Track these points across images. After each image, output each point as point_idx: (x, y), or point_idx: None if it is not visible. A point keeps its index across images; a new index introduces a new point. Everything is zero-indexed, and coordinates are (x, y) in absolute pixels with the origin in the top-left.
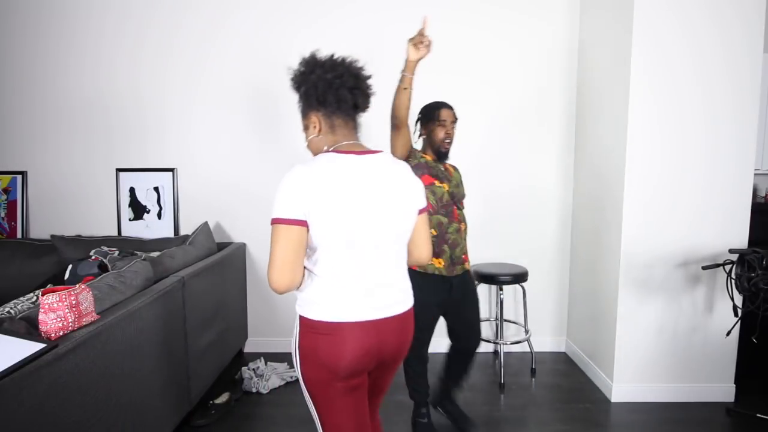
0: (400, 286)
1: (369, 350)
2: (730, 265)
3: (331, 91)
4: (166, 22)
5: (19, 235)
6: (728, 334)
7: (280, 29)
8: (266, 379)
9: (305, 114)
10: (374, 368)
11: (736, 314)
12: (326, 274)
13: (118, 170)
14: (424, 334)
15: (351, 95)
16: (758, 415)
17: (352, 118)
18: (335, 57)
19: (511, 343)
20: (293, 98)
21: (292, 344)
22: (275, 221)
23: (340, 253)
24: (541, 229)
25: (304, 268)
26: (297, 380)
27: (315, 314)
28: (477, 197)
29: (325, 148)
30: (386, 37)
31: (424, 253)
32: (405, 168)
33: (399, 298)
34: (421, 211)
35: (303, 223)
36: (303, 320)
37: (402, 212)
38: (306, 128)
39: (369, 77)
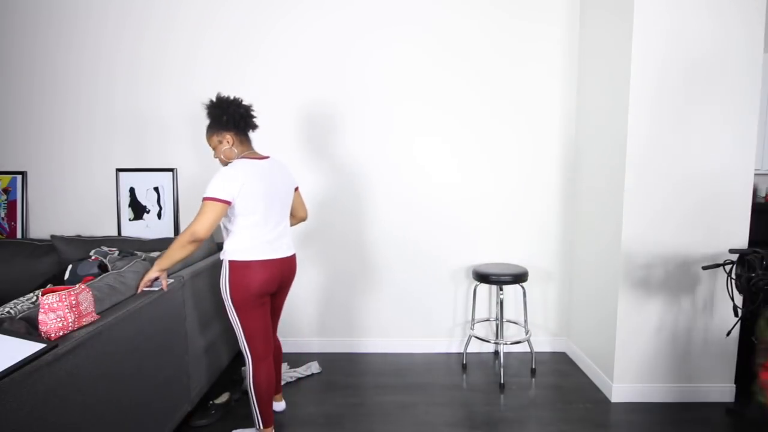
0: (286, 239)
1: (273, 277)
2: (730, 265)
3: (242, 120)
4: (169, 21)
5: (19, 235)
6: (728, 334)
7: (279, 31)
8: None
9: (219, 133)
10: (275, 291)
11: (736, 314)
12: (245, 232)
13: (118, 170)
14: None
15: (251, 121)
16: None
17: (248, 136)
18: (238, 98)
19: (511, 343)
20: (290, 98)
21: (222, 283)
22: (211, 199)
23: (253, 219)
24: (542, 229)
25: (226, 228)
26: (297, 380)
27: (240, 257)
28: (477, 197)
29: (236, 154)
30: (369, 30)
31: (302, 214)
32: (284, 164)
33: (287, 246)
34: (296, 190)
35: (228, 203)
36: (232, 263)
37: (284, 192)
38: (220, 143)
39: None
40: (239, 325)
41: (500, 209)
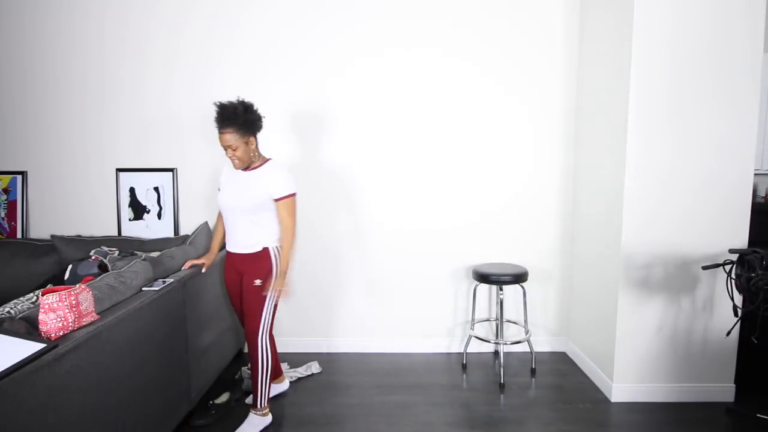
0: None
1: None
2: (730, 265)
3: (261, 124)
4: (167, 22)
5: (19, 235)
6: (728, 334)
7: (277, 29)
8: None
9: (246, 135)
10: None
11: (736, 314)
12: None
13: (118, 170)
14: None
15: None
16: (758, 415)
17: None
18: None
19: (511, 343)
20: (288, 97)
21: (273, 268)
22: (293, 195)
23: None
24: (542, 229)
25: (261, 220)
26: (296, 380)
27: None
28: (478, 197)
29: (259, 155)
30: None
31: None
32: None
33: None
34: None
35: None
36: (280, 250)
37: None
38: (246, 144)
39: None
40: (272, 305)
41: (500, 209)
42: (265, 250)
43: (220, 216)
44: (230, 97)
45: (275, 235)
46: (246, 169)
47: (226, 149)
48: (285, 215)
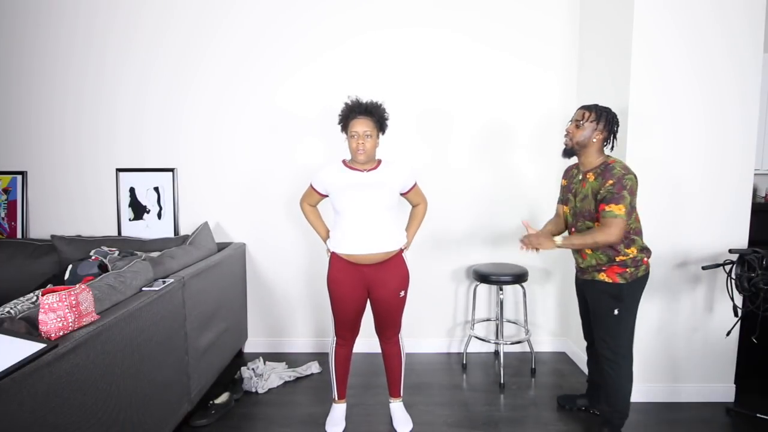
0: None
1: None
2: (730, 265)
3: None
4: (166, 23)
5: (19, 235)
6: (728, 334)
7: (279, 29)
8: (265, 378)
9: (377, 132)
10: None
11: (736, 314)
12: None
13: (118, 170)
14: None
15: None
16: (758, 415)
17: None
18: None
19: (511, 343)
20: (289, 97)
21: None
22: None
23: None
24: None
25: (390, 214)
26: (296, 380)
27: None
28: (478, 197)
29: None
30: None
31: None
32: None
33: None
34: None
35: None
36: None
37: None
38: (375, 138)
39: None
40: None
41: (500, 209)
42: (400, 253)
43: (314, 209)
44: (229, 94)
45: (403, 233)
46: (362, 170)
47: (357, 137)
48: (421, 197)
